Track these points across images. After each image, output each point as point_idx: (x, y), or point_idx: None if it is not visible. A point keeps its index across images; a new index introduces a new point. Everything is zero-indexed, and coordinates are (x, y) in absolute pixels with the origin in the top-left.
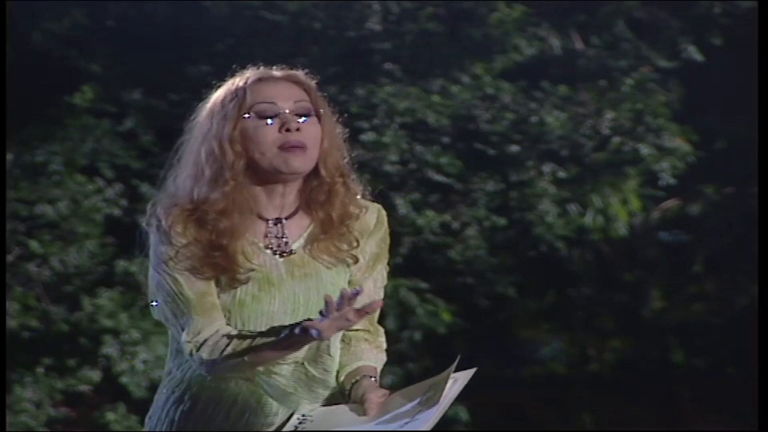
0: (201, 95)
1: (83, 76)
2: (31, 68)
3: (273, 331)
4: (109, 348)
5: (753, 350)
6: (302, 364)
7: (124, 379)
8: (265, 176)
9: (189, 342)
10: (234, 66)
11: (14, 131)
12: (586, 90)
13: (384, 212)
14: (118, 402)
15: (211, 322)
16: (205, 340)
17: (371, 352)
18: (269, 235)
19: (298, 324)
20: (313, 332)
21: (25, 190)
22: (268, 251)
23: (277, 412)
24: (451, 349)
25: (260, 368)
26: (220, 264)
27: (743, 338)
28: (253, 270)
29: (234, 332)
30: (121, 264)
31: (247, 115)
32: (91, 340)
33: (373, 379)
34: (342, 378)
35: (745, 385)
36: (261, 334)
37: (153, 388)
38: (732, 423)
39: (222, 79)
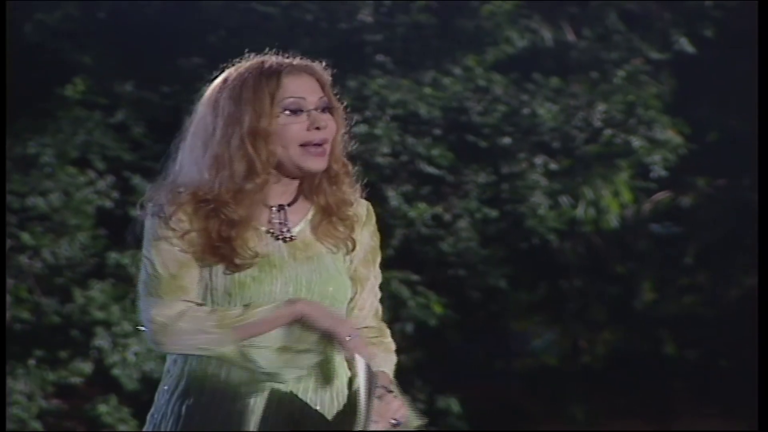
0: (193, 87)
1: (75, 68)
2: (22, 60)
3: (256, 306)
4: (101, 340)
5: (745, 342)
6: (285, 347)
7: (115, 371)
8: (280, 169)
9: (158, 316)
10: (246, 51)
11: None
12: (577, 82)
13: (372, 209)
14: (109, 394)
15: (181, 300)
16: (183, 312)
17: (378, 357)
18: (272, 220)
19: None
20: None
21: (17, 182)
22: (270, 236)
23: (283, 397)
24: (443, 341)
25: (235, 351)
26: (224, 254)
27: (735, 330)
28: (256, 256)
29: (210, 308)
30: (113, 256)
31: (280, 112)
32: (82, 332)
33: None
34: (355, 385)
35: (737, 377)
36: (245, 308)
37: (144, 380)
38: (724, 415)
39: (213, 71)
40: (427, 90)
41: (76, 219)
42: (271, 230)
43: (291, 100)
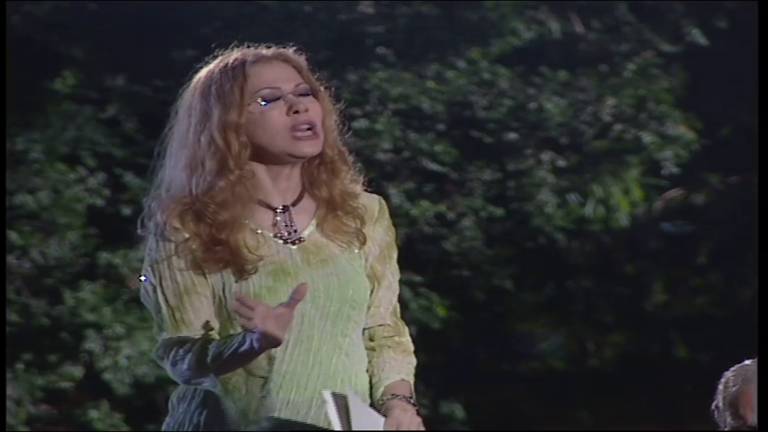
0: (187, 81)
1: (64, 61)
2: (10, 53)
3: (228, 340)
4: (92, 343)
5: (756, 346)
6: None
7: (107, 376)
8: (272, 161)
9: (155, 353)
10: (213, 45)
11: None
12: (586, 75)
13: (384, 203)
14: (101, 399)
15: (179, 335)
16: (169, 351)
17: (395, 361)
18: (278, 224)
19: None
20: (256, 345)
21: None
22: (279, 240)
23: (310, 403)
24: (446, 345)
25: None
26: (223, 258)
27: (748, 332)
28: (261, 260)
29: (195, 340)
30: (104, 256)
31: (252, 102)
32: (72, 334)
33: (399, 397)
34: (377, 395)
35: None
36: (219, 344)
37: (137, 384)
38: None
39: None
40: (430, 84)
41: (66, 217)
42: (279, 234)
43: (266, 90)
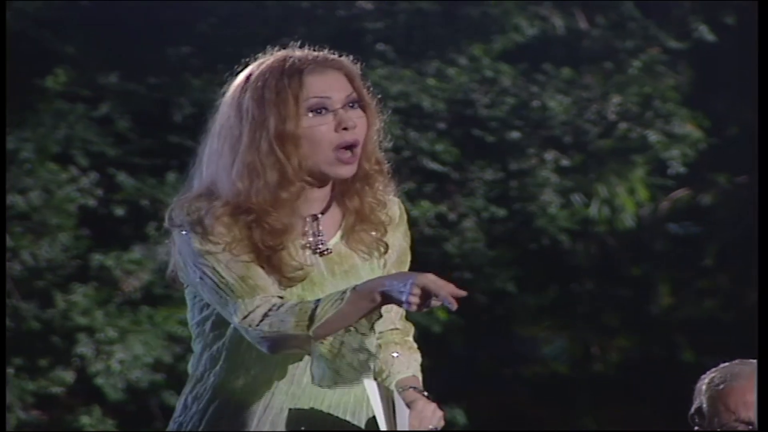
0: (182, 78)
1: (56, 58)
2: (10, 53)
3: (331, 297)
4: (84, 347)
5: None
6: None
7: (99, 381)
8: (311, 176)
9: (243, 321)
10: (267, 46)
11: None
12: (590, 73)
13: (403, 207)
14: (92, 404)
15: (259, 297)
16: (265, 314)
17: (403, 356)
18: (307, 232)
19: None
20: (404, 296)
21: None
22: (308, 250)
23: (325, 416)
24: (447, 348)
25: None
26: (274, 263)
27: (755, 335)
28: (301, 269)
29: (292, 303)
30: (97, 258)
31: (305, 112)
32: (64, 338)
33: (412, 389)
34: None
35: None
36: (322, 301)
37: (130, 389)
38: None
39: (204, 62)
40: (431, 81)
41: (58, 218)
42: (307, 244)
43: (315, 99)
